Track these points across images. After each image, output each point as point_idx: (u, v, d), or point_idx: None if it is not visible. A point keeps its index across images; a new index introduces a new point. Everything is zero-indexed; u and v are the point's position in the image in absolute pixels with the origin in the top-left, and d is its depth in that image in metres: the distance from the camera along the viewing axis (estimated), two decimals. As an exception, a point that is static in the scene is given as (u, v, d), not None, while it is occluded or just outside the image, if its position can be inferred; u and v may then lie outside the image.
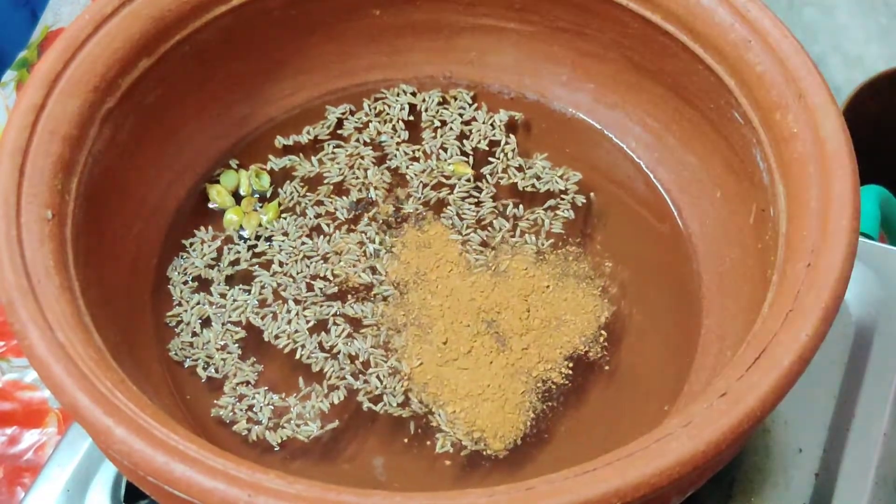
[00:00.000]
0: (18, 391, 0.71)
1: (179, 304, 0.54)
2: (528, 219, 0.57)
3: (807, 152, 0.45)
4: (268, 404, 0.50)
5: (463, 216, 0.57)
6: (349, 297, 0.54)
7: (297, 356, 0.52)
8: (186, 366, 0.52)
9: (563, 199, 0.58)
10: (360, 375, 0.51)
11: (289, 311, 0.53)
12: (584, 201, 0.58)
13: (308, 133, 0.60)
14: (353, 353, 0.52)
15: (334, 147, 0.59)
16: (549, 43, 0.59)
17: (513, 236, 0.56)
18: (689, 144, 0.57)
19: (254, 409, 0.50)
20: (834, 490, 0.53)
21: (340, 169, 0.59)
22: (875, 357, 0.57)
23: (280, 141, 0.60)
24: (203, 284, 0.55)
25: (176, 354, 0.52)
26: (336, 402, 0.51)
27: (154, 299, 0.54)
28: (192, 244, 0.56)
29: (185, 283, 0.54)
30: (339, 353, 0.52)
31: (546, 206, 0.58)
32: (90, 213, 0.48)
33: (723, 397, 0.38)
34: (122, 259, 0.52)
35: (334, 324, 0.53)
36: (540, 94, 0.62)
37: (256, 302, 0.54)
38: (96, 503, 0.54)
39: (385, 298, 0.54)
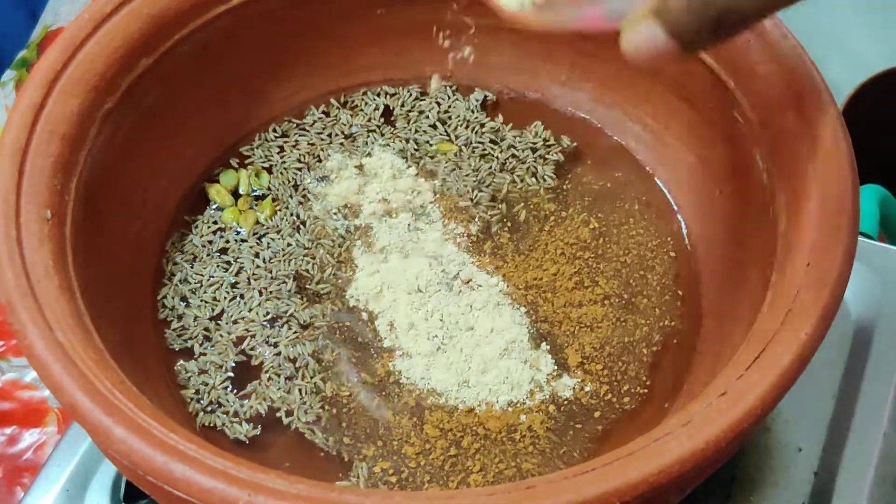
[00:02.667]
0: (18, 391, 0.71)
1: (169, 279, 0.55)
2: (521, 168, 0.59)
3: (806, 152, 0.45)
4: (218, 387, 0.51)
5: (465, 182, 0.58)
6: (313, 297, 0.54)
7: (245, 345, 0.53)
8: (178, 348, 0.53)
9: (548, 147, 0.60)
10: (289, 381, 0.51)
11: (252, 299, 0.54)
12: (569, 144, 0.60)
13: (275, 131, 0.60)
14: (293, 357, 0.52)
15: (298, 135, 0.60)
16: (548, 42, 0.59)
17: (517, 185, 0.58)
18: (688, 144, 0.57)
19: (206, 385, 0.51)
20: (833, 488, 0.53)
21: (300, 156, 0.59)
22: (874, 356, 0.57)
23: (271, 136, 0.60)
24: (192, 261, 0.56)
25: (173, 342, 0.53)
26: (270, 404, 0.51)
27: (154, 299, 0.54)
28: (190, 230, 0.57)
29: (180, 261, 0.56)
30: (280, 352, 0.52)
31: (536, 155, 0.59)
32: (89, 212, 0.48)
33: (722, 396, 0.38)
34: (122, 259, 0.52)
35: (286, 323, 0.53)
36: (539, 93, 0.62)
37: (232, 280, 0.55)
38: (96, 503, 0.54)
39: (342, 298, 0.54)
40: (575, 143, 0.60)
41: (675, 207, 0.58)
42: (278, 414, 0.51)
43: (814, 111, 0.46)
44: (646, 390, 0.51)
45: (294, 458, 0.49)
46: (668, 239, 0.57)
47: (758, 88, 0.48)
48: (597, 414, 0.50)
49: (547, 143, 0.60)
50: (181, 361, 0.52)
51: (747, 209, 0.51)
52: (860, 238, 0.43)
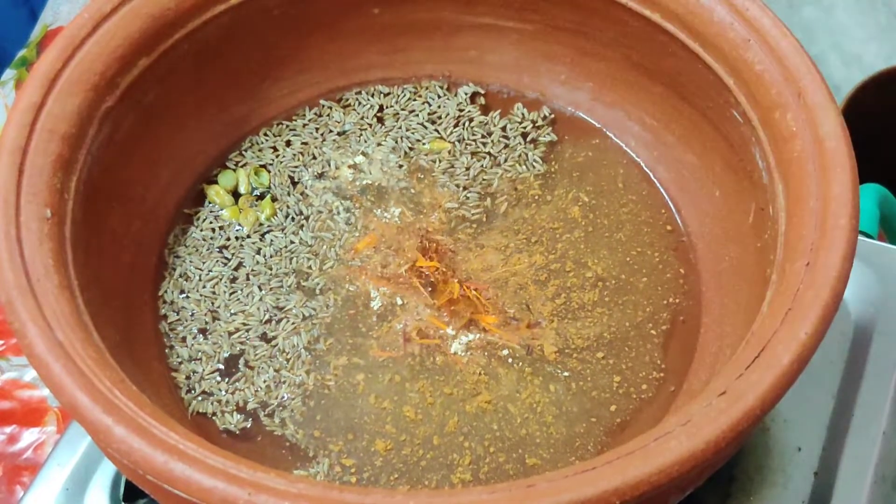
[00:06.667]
0: (17, 390, 0.71)
1: (170, 273, 0.55)
2: (512, 158, 0.59)
3: (806, 151, 0.45)
4: (207, 376, 0.52)
5: (457, 181, 0.58)
6: (313, 292, 0.54)
7: (238, 337, 0.53)
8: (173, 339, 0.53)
9: (538, 129, 0.60)
10: (277, 373, 0.52)
11: (251, 296, 0.54)
12: (548, 114, 0.60)
13: (266, 135, 0.60)
14: (286, 349, 0.52)
15: (291, 135, 0.60)
16: (548, 42, 0.59)
17: (508, 173, 0.58)
18: (688, 143, 0.57)
19: (195, 373, 0.52)
20: (833, 488, 0.53)
21: (294, 155, 0.59)
22: (874, 355, 0.57)
23: (271, 136, 0.60)
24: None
25: (171, 331, 0.53)
26: (255, 393, 0.51)
27: (153, 298, 0.54)
28: (192, 227, 0.57)
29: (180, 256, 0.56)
30: (276, 345, 0.52)
31: (528, 140, 0.60)
32: (89, 211, 0.48)
33: (722, 396, 0.38)
34: (122, 258, 0.52)
35: (284, 318, 0.53)
36: (539, 92, 0.62)
37: (232, 275, 0.55)
38: (95, 502, 0.54)
39: (339, 284, 0.54)
40: (553, 115, 0.60)
41: (673, 208, 0.58)
42: (249, 407, 0.51)
43: (814, 111, 0.46)
44: (662, 374, 0.51)
45: (266, 453, 0.49)
46: (662, 211, 0.57)
47: (758, 88, 0.48)
48: (613, 408, 0.50)
49: (536, 125, 0.60)
50: (176, 347, 0.52)
51: (747, 208, 0.51)
52: (860, 238, 0.43)
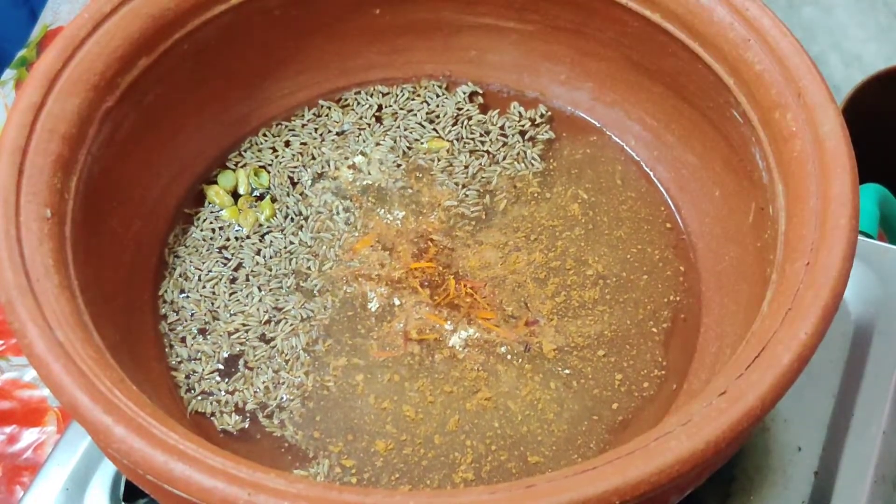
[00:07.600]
0: (17, 390, 0.71)
1: (169, 273, 0.55)
2: (511, 156, 0.59)
3: (806, 151, 0.45)
4: (207, 376, 0.52)
5: (455, 179, 0.58)
6: (312, 292, 0.54)
7: (238, 337, 0.53)
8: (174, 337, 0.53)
9: (536, 127, 0.60)
10: (276, 374, 0.52)
11: (251, 296, 0.54)
12: (545, 113, 0.61)
13: (266, 136, 0.60)
14: (285, 350, 0.52)
15: (290, 135, 0.60)
16: (548, 42, 0.60)
17: (507, 171, 0.59)
18: (688, 143, 0.57)
19: (195, 373, 0.52)
20: (833, 488, 0.53)
21: (293, 155, 0.59)
22: (874, 355, 0.57)
23: (270, 136, 0.60)
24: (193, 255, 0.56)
25: (171, 330, 0.53)
26: (258, 397, 0.51)
27: (153, 298, 0.54)
28: (191, 228, 0.57)
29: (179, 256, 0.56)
30: (275, 346, 0.52)
31: (526, 138, 0.60)
32: (89, 211, 0.48)
33: (722, 396, 0.38)
34: (122, 258, 0.52)
35: (283, 318, 0.53)
36: (539, 92, 0.62)
37: (231, 275, 0.55)
38: (95, 502, 0.54)
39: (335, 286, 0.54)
40: (550, 113, 0.61)
41: (673, 208, 0.58)
42: (248, 408, 0.51)
43: (814, 111, 0.46)
44: (664, 372, 0.51)
45: (265, 454, 0.49)
46: (661, 208, 0.57)
47: (758, 88, 0.48)
48: (614, 406, 0.50)
49: (535, 123, 0.61)
50: (175, 347, 0.52)
51: (747, 208, 0.51)
52: (860, 237, 0.43)
